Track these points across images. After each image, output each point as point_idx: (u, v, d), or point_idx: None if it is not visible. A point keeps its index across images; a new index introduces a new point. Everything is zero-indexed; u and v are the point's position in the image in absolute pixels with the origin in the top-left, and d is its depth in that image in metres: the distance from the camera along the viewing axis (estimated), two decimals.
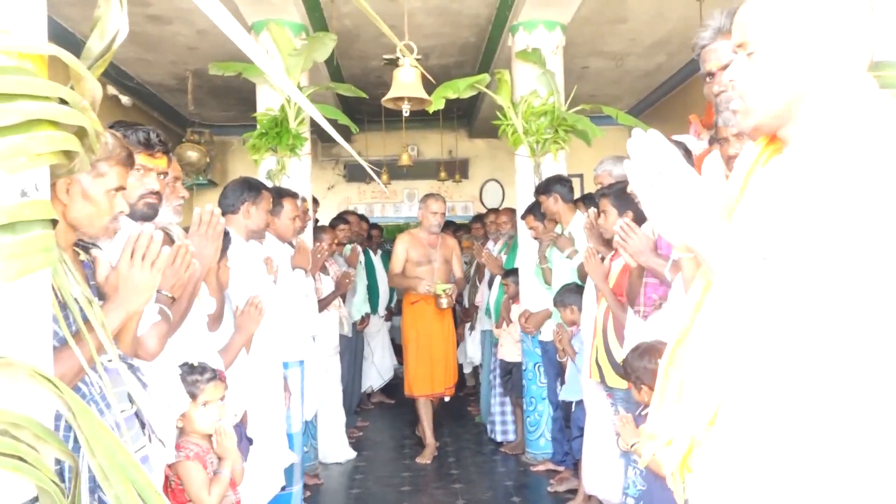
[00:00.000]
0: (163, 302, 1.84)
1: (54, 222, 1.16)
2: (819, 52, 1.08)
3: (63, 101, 1.13)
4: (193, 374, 2.11)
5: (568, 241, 3.95)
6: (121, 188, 1.48)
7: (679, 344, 1.29)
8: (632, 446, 2.24)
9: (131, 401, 1.47)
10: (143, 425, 1.49)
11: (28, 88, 1.06)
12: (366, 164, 1.55)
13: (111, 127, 1.97)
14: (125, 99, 5.53)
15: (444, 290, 4.90)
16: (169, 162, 2.20)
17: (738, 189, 1.24)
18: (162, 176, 2.08)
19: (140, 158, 1.95)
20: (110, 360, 1.41)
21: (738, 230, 1.14)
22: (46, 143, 1.07)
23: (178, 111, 7.38)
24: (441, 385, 5.12)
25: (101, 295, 1.40)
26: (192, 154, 6.70)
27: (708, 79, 1.79)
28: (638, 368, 2.39)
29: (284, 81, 1.23)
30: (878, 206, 0.93)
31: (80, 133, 1.18)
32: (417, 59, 3.96)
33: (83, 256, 1.47)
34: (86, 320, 1.29)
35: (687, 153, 2.51)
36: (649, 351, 2.35)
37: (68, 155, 1.15)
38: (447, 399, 5.22)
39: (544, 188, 4.12)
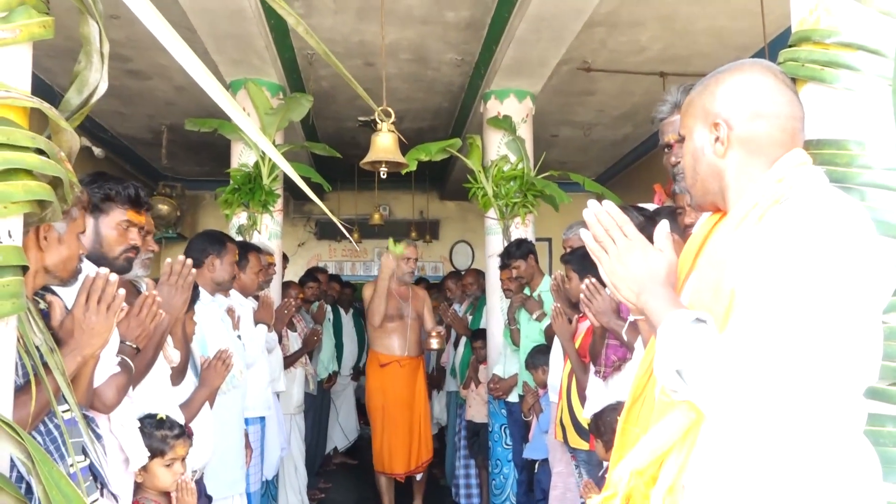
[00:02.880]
0: (126, 353, 1.83)
1: (24, 269, 1.17)
2: (729, 137, 1.19)
3: (41, 152, 1.16)
4: (162, 429, 2.05)
5: (536, 304, 4.00)
6: (83, 231, 1.51)
7: (635, 402, 1.33)
8: None
9: (85, 453, 1.45)
10: (95, 478, 1.47)
11: (8, 138, 1.10)
12: (337, 220, 1.58)
13: (91, 177, 1.99)
14: (98, 151, 5.50)
15: (437, 331, 4.39)
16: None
17: (693, 256, 1.32)
18: (141, 231, 2.09)
19: (127, 214, 1.98)
20: (66, 410, 1.39)
21: (682, 298, 1.21)
22: (23, 192, 1.10)
23: (150, 164, 7.40)
24: (413, 461, 4.53)
25: (57, 340, 1.40)
26: (163, 207, 6.70)
27: (666, 150, 1.89)
28: (612, 428, 2.40)
29: (258, 137, 1.28)
30: (786, 276, 1.01)
31: (55, 182, 1.21)
32: (392, 123, 4.07)
33: (42, 304, 1.48)
34: (45, 366, 1.29)
35: (650, 220, 2.60)
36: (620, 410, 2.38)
37: (41, 204, 1.18)
38: (418, 478, 4.67)
39: (519, 251, 4.18)
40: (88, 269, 1.67)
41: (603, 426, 2.39)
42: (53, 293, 1.52)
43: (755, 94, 1.19)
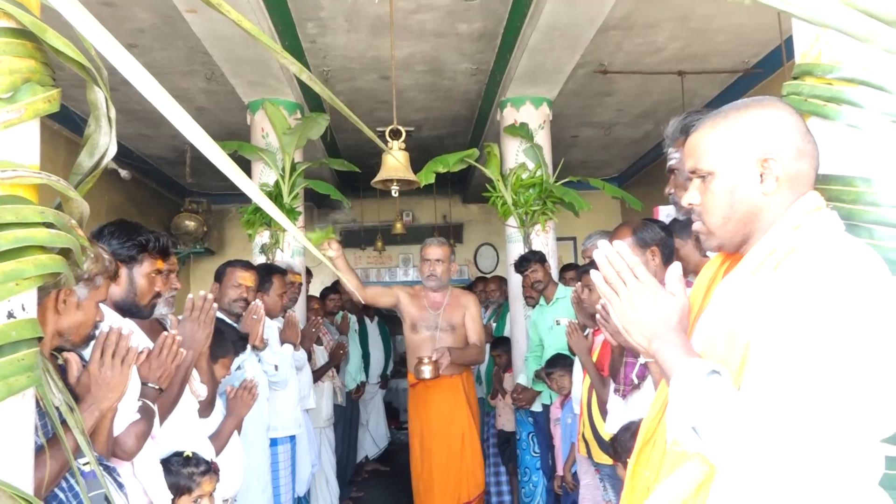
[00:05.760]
0: (149, 395, 1.86)
1: (40, 339, 1.20)
2: (766, 175, 1.15)
3: (51, 225, 1.19)
4: (189, 466, 2.08)
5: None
6: (105, 299, 1.54)
7: (645, 444, 1.33)
8: None
9: (109, 502, 1.48)
10: None
11: (17, 216, 1.13)
12: (315, 249, 1.57)
13: (114, 225, 2.03)
14: (124, 173, 5.62)
15: (428, 357, 3.67)
16: None
17: (701, 299, 1.30)
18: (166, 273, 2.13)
19: (157, 264, 2.03)
20: (86, 464, 1.43)
21: (693, 341, 1.20)
22: (34, 267, 1.13)
23: (176, 181, 7.52)
24: (453, 498, 3.81)
25: (74, 396, 1.44)
26: (190, 223, 6.81)
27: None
28: (628, 448, 2.39)
29: (255, 193, 1.29)
30: (802, 333, 1.00)
31: (66, 250, 1.24)
32: (409, 132, 4.09)
33: (60, 360, 1.51)
34: (63, 423, 1.32)
35: (670, 232, 2.54)
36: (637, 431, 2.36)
37: (53, 274, 1.21)
38: None
39: (535, 257, 4.19)
40: (110, 319, 1.71)
41: (619, 447, 2.37)
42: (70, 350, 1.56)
43: (795, 131, 1.16)
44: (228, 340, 2.60)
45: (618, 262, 1.19)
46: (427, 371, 3.65)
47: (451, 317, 3.92)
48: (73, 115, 4.80)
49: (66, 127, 5.04)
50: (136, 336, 1.73)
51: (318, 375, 4.63)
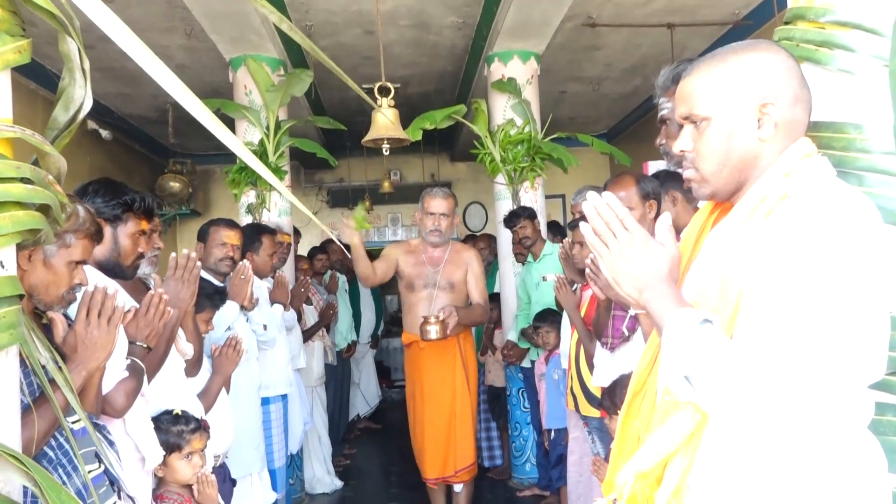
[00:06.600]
0: (137, 353, 1.85)
1: (21, 297, 1.18)
2: (764, 121, 1.13)
3: (28, 180, 1.16)
4: (178, 424, 2.09)
5: None
6: (83, 261, 1.50)
7: (636, 395, 1.33)
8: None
9: (99, 459, 1.48)
10: (111, 483, 1.51)
11: None
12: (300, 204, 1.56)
13: (98, 183, 1.99)
14: (105, 133, 5.55)
15: (435, 316, 3.42)
16: None
17: (690, 249, 1.29)
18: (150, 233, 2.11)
19: (142, 224, 2.00)
20: (76, 421, 1.43)
21: (684, 291, 1.19)
22: (11, 224, 1.11)
23: (159, 142, 7.40)
24: (452, 465, 3.61)
25: (61, 355, 1.42)
26: (175, 185, 6.73)
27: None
28: (620, 401, 2.41)
29: (242, 151, 1.27)
30: (795, 280, 0.99)
31: (45, 207, 1.21)
32: (396, 88, 4.01)
33: (44, 319, 1.49)
34: (51, 381, 1.31)
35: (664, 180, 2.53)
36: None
37: (33, 231, 1.18)
38: (457, 489, 3.75)
39: (524, 213, 4.18)
40: (93, 280, 1.69)
41: (619, 400, 2.39)
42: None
43: (793, 75, 1.13)
44: (204, 296, 2.58)
45: (607, 213, 1.17)
46: (434, 331, 3.36)
47: (451, 274, 3.66)
48: (50, 73, 4.68)
49: (42, 86, 4.92)
50: (120, 296, 1.71)
51: (308, 335, 4.64)
